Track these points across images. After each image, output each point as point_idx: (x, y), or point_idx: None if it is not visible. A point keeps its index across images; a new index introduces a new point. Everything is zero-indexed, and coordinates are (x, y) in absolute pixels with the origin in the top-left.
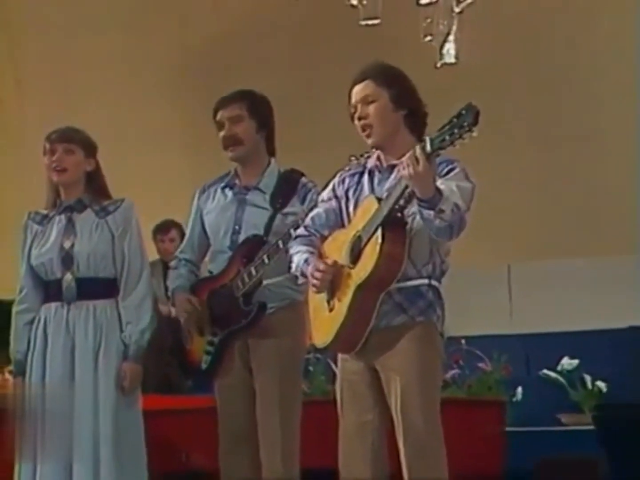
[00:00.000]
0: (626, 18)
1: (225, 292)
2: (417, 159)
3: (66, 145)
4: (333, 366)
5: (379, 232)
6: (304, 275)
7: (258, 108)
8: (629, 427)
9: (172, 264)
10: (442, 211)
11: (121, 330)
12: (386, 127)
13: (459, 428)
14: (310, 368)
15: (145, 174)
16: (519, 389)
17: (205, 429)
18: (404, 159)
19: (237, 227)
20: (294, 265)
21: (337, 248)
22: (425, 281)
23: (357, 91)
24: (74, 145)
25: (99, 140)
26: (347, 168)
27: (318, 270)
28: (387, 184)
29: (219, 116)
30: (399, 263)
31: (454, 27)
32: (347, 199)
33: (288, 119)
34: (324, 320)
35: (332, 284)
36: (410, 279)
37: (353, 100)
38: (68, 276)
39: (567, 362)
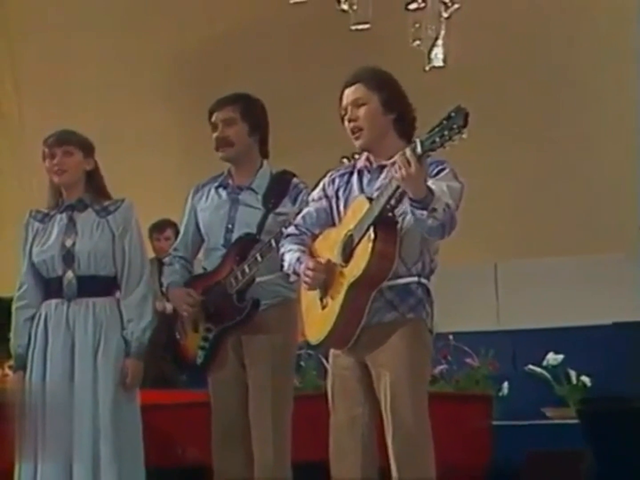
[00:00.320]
0: (623, 17)
1: (220, 289)
2: (408, 161)
3: (65, 148)
4: (324, 362)
5: (371, 231)
6: (296, 273)
7: (251, 112)
8: (613, 420)
9: (167, 260)
10: (434, 210)
11: (122, 328)
12: (375, 130)
13: (446, 422)
14: (302, 363)
15: (142, 175)
16: (506, 384)
17: (199, 422)
18: (394, 160)
19: (230, 226)
20: (286, 264)
21: (328, 246)
22: (415, 279)
23: (349, 94)
24: (72, 147)
25: (96, 140)
26: (337, 168)
27: (310, 268)
28: (377, 184)
29: (213, 117)
30: (390, 262)
31: (442, 32)
32: (338, 198)
33: (280, 121)
34: (317, 318)
35: (325, 282)
36: (401, 277)
37: (344, 102)
38: (69, 274)
39: (552, 358)
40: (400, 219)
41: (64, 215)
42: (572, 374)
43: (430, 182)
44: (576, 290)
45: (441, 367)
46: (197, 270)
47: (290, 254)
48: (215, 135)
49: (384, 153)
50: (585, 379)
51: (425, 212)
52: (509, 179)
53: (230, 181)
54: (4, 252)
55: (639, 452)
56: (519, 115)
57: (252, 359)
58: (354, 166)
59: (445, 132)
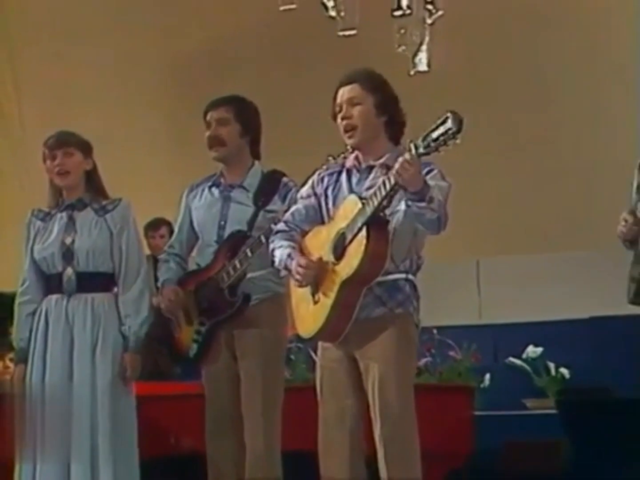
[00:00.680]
0: (612, 19)
1: (212, 285)
2: (409, 164)
3: (65, 149)
4: (313, 355)
5: (364, 230)
6: (287, 269)
7: (245, 113)
8: (590, 411)
9: (162, 257)
10: (432, 199)
11: (120, 323)
12: (368, 130)
13: (430, 412)
14: (292, 356)
15: (137, 174)
16: (487, 376)
17: (193, 413)
18: (383, 161)
19: (222, 223)
20: (277, 259)
21: (319, 244)
22: (403, 275)
23: (344, 92)
24: (72, 148)
25: (94, 141)
26: (324, 167)
27: (302, 266)
28: (366, 184)
29: (208, 116)
30: (383, 260)
31: (426, 38)
32: (326, 196)
33: (270, 123)
34: (309, 312)
35: (316, 278)
36: (390, 273)
37: (339, 100)
38: (68, 270)
39: (531, 350)
40: (390, 218)
41: (64, 214)
42: (551, 366)
43: None
44: (555, 286)
45: (425, 359)
46: (192, 266)
47: (280, 250)
48: (208, 133)
49: (373, 153)
50: (564, 370)
51: (424, 203)
52: (491, 180)
53: (222, 180)
54: (4, 249)
55: (616, 442)
56: (500, 118)
57: (243, 351)
58: (342, 165)
59: (441, 138)
